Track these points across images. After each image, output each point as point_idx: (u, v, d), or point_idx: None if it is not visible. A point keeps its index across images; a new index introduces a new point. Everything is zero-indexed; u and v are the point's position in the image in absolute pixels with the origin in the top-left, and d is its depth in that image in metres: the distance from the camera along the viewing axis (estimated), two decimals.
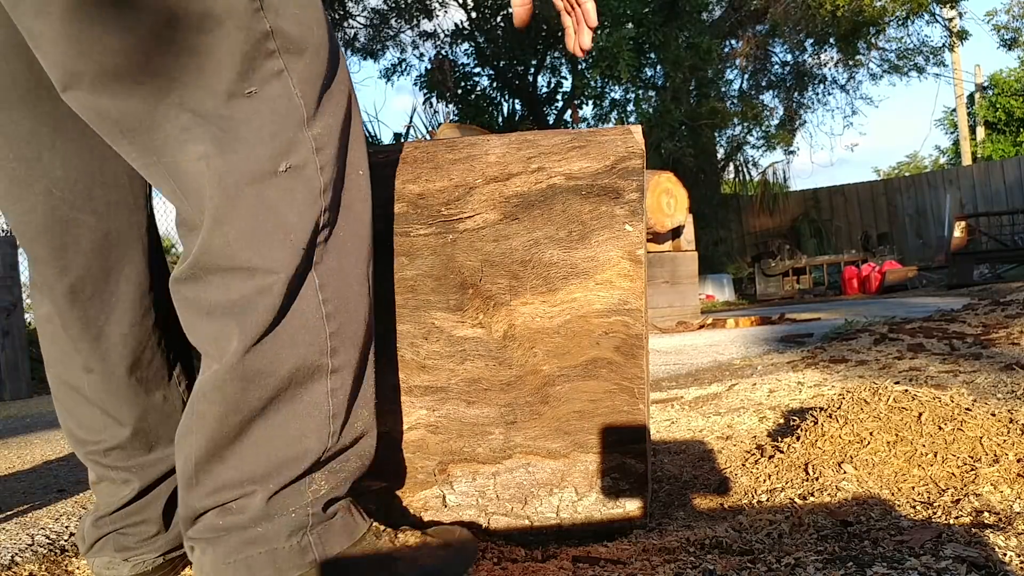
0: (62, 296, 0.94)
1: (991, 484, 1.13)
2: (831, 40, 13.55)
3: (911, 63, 14.41)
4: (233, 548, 0.80)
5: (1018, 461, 1.18)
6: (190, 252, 0.79)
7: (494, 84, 12.19)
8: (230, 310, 0.78)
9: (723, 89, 13.83)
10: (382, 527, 0.90)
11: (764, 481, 1.30)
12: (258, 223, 0.78)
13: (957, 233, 9.58)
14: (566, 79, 12.01)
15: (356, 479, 0.88)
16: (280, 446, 0.80)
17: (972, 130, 21.28)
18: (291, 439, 0.81)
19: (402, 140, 10.76)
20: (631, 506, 1.07)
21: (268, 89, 0.78)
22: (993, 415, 1.33)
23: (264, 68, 0.78)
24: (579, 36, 1.15)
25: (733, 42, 13.97)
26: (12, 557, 1.21)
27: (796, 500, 1.19)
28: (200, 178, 0.77)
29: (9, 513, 1.57)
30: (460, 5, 12.09)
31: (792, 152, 15.58)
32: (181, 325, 0.84)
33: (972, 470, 1.18)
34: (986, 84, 22.08)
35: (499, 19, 11.80)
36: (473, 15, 12.01)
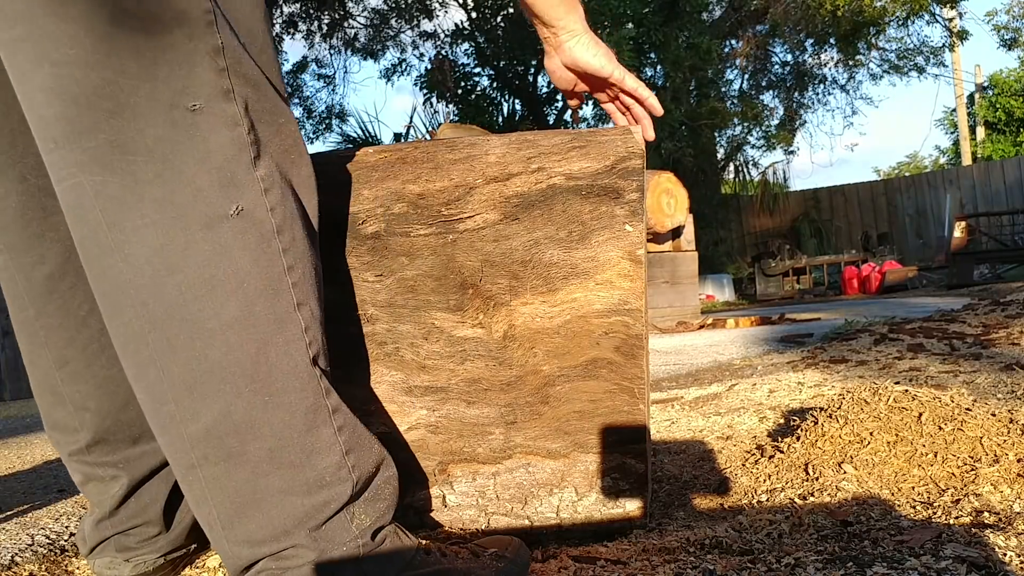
0: (40, 285, 0.92)
1: (991, 484, 1.13)
2: (831, 40, 13.56)
3: (911, 63, 14.42)
4: None
5: (1018, 461, 1.18)
6: (111, 294, 0.74)
7: (494, 84, 12.19)
8: (197, 368, 0.74)
9: (723, 89, 13.84)
10: (432, 545, 0.89)
11: (764, 481, 1.30)
12: (212, 271, 0.73)
13: (957, 233, 9.59)
14: None
15: (396, 502, 0.86)
16: (303, 494, 0.78)
17: (972, 130, 21.28)
18: (311, 485, 0.78)
19: (402, 140, 10.77)
20: (631, 506, 1.07)
21: (215, 108, 0.74)
22: (993, 415, 1.33)
23: (212, 84, 0.73)
24: (644, 131, 1.13)
25: (733, 42, 13.97)
26: (12, 557, 1.21)
27: (796, 500, 1.19)
28: (130, 210, 0.72)
29: (9, 513, 1.57)
30: (460, 5, 12.10)
31: (792, 152, 15.61)
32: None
33: (972, 470, 1.18)
34: (986, 84, 22.10)
35: (499, 19, 11.80)
36: (473, 15, 12.01)
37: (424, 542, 0.88)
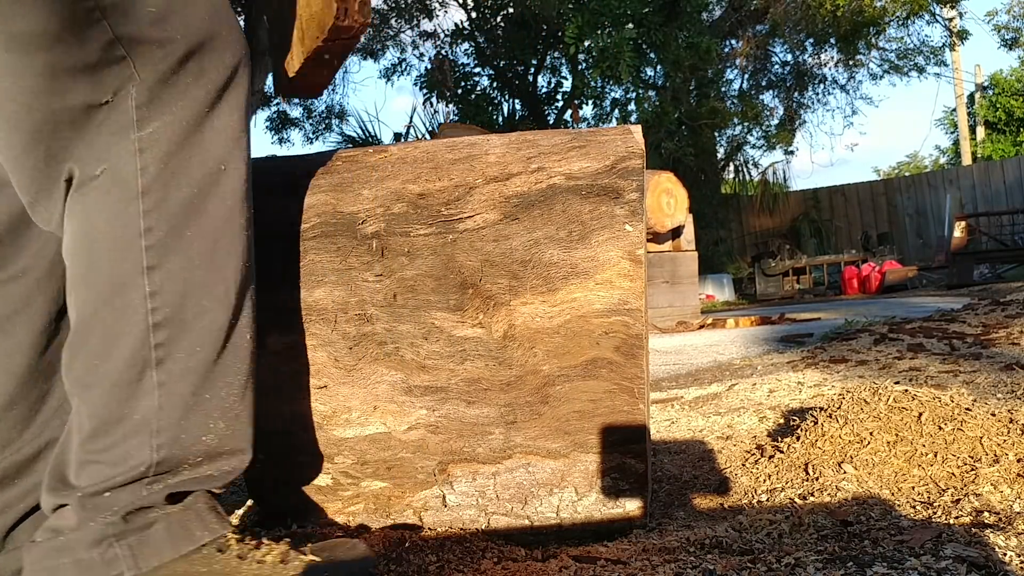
0: None
1: (991, 484, 1.13)
2: (831, 40, 13.55)
3: (911, 63, 14.42)
4: (44, 554, 0.76)
5: (1018, 461, 1.18)
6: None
7: (494, 84, 12.18)
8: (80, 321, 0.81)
9: (723, 89, 13.83)
10: (241, 540, 0.82)
11: (764, 481, 1.30)
12: (80, 229, 0.78)
13: (957, 233, 9.59)
14: (566, 79, 12.02)
15: (207, 489, 0.83)
16: (106, 461, 0.77)
17: (972, 130, 21.28)
18: (119, 456, 0.77)
19: (402, 140, 10.77)
20: (631, 506, 1.07)
21: (120, 97, 0.77)
22: (993, 415, 1.33)
23: (115, 73, 0.76)
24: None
25: (733, 42, 13.97)
26: None
27: (796, 500, 1.19)
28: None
29: None
30: (460, 5, 12.10)
31: (792, 152, 15.61)
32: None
33: (972, 470, 1.18)
34: (986, 84, 22.09)
35: (499, 19, 11.80)
36: (473, 15, 12.01)
37: (232, 536, 0.82)
